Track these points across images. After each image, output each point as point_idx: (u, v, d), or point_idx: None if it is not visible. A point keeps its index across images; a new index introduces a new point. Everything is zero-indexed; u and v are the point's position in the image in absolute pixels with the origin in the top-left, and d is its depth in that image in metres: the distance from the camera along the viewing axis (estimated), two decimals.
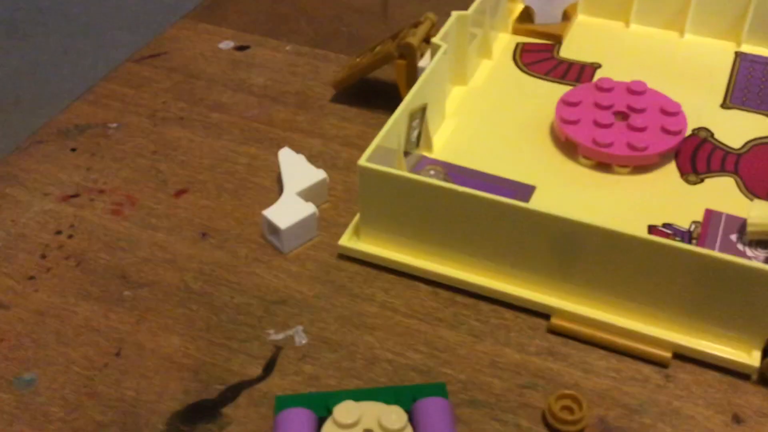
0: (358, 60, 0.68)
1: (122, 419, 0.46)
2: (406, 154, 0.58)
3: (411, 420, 0.43)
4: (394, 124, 0.54)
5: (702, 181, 0.58)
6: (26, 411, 0.46)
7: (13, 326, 0.50)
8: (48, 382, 0.47)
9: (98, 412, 0.46)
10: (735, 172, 0.59)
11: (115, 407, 0.46)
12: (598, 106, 0.62)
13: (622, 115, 0.61)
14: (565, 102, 0.62)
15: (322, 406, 0.44)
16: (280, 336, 0.50)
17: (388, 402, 0.43)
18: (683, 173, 0.59)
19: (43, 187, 0.60)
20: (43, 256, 0.55)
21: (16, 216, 0.58)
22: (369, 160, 0.51)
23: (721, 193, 0.57)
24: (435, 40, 0.60)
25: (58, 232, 0.57)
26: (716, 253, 0.45)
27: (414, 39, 0.62)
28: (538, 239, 0.49)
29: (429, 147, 0.61)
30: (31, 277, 0.54)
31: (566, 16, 0.74)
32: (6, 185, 0.60)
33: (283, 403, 0.44)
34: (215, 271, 0.54)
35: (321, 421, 0.43)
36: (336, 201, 0.59)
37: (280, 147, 0.60)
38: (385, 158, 0.53)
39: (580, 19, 0.75)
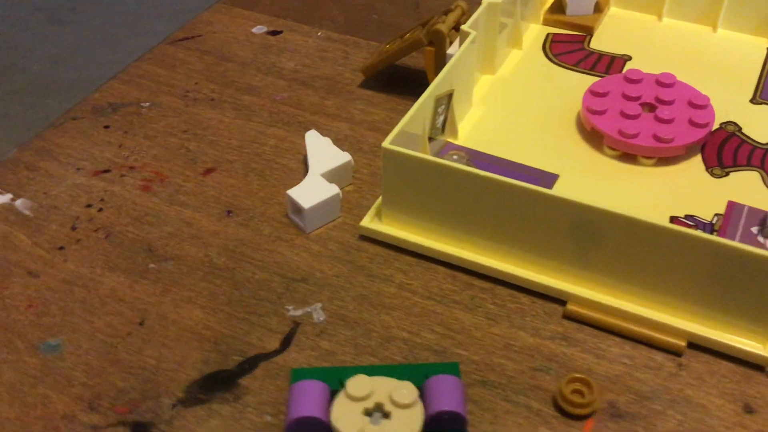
0: (387, 46, 0.68)
1: (142, 386, 0.47)
2: (431, 139, 0.58)
3: (422, 397, 0.43)
4: (420, 109, 0.55)
5: (727, 174, 0.58)
6: (50, 375, 0.47)
7: (41, 294, 0.52)
8: (72, 348, 0.49)
9: (119, 378, 0.47)
10: (761, 166, 0.59)
11: (136, 374, 0.47)
12: (625, 97, 0.62)
13: (650, 107, 0.61)
14: (592, 92, 0.62)
15: (335, 380, 0.44)
16: (299, 312, 0.51)
17: (400, 378, 0.44)
18: (709, 166, 0.59)
19: (76, 162, 0.62)
20: (74, 228, 0.56)
21: (49, 189, 0.59)
22: (393, 143, 0.52)
23: (746, 187, 0.57)
24: (464, 27, 0.61)
25: (89, 206, 0.58)
26: (733, 243, 0.45)
27: (443, 26, 0.63)
28: (557, 225, 0.49)
29: (454, 133, 0.61)
30: (61, 248, 0.55)
31: (598, 8, 0.74)
32: (40, 159, 0.62)
33: (298, 375, 0.45)
34: (239, 247, 0.55)
35: (334, 394, 0.44)
36: (360, 184, 0.60)
37: (307, 130, 0.61)
38: (409, 142, 0.54)
39: (613, 11, 0.75)
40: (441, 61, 0.63)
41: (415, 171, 0.52)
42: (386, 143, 0.51)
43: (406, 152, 0.51)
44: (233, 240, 0.55)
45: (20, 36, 1.81)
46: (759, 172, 0.58)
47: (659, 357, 0.48)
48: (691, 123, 0.59)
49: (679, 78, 0.64)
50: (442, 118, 0.59)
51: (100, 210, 0.58)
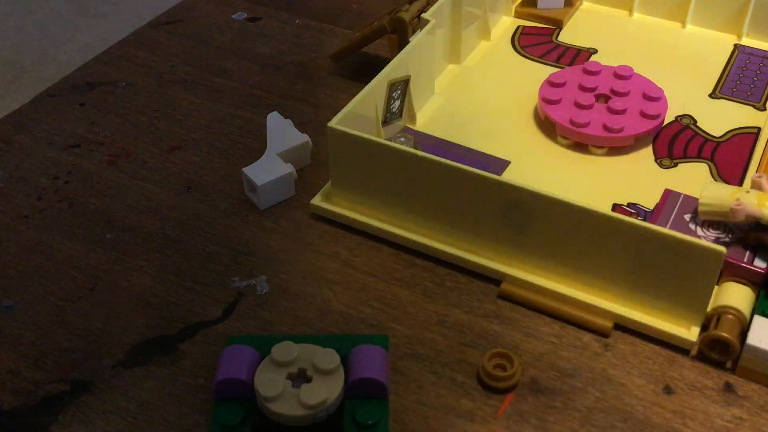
0: (357, 34, 0.70)
1: (86, 347, 0.49)
2: (387, 123, 0.60)
3: (347, 365, 0.45)
4: (370, 93, 0.56)
5: (676, 165, 0.59)
6: (0, 333, 0.50)
7: (1, 259, 0.55)
8: (25, 309, 0.51)
9: (66, 339, 0.50)
10: (710, 159, 0.60)
11: (82, 336, 0.50)
12: (581, 88, 0.63)
13: (605, 98, 0.63)
14: (549, 83, 0.64)
15: (267, 347, 0.46)
16: (244, 284, 0.53)
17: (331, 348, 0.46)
18: (658, 157, 0.60)
19: (48, 136, 0.64)
20: (39, 198, 0.59)
21: (20, 161, 0.62)
22: (341, 123, 0.53)
23: (692, 178, 0.58)
24: (425, 15, 0.63)
25: (56, 178, 0.61)
26: (657, 228, 0.46)
27: (406, 14, 0.64)
28: (492, 206, 0.50)
29: (412, 119, 0.63)
30: (26, 216, 0.58)
31: (569, 2, 0.75)
32: (15, 132, 0.65)
33: (233, 341, 0.47)
34: (193, 221, 0.57)
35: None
36: (318, 165, 0.61)
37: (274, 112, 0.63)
38: (360, 124, 0.55)
39: (584, 6, 0.76)
40: (403, 48, 0.65)
41: (360, 151, 0.53)
42: (332, 123, 0.53)
43: (351, 132, 0.53)
44: (189, 214, 0.58)
45: (52, 26, 1.85)
46: (708, 164, 0.59)
47: (586, 337, 0.50)
48: (643, 114, 0.60)
49: (642, 72, 0.65)
50: (398, 103, 0.60)
51: (67, 182, 0.60)
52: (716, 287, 0.50)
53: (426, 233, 0.54)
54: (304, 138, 0.60)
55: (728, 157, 0.60)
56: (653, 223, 0.51)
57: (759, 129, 0.62)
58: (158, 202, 0.58)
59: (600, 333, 0.50)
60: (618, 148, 0.60)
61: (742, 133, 0.62)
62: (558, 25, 0.73)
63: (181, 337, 0.50)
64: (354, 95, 0.56)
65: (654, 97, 0.61)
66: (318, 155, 0.62)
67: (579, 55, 0.70)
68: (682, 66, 0.69)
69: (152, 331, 0.50)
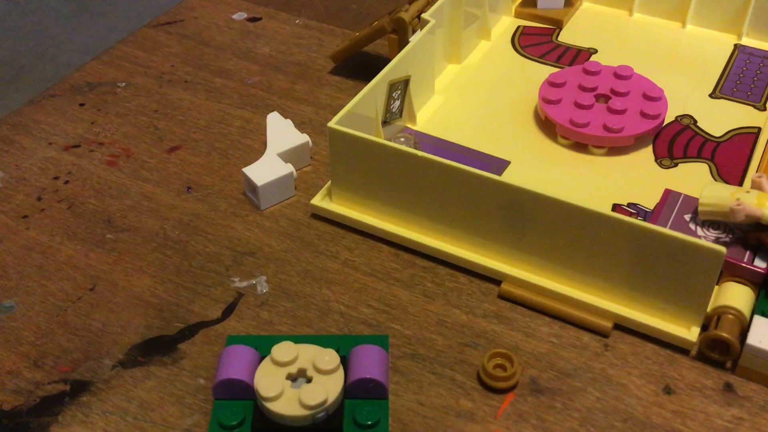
0: (357, 34, 0.70)
1: (86, 347, 0.49)
2: (387, 123, 0.60)
3: (347, 365, 0.45)
4: (370, 93, 0.56)
5: (676, 165, 0.59)
6: (1, 334, 0.50)
7: (1, 259, 0.55)
8: (25, 309, 0.51)
9: (66, 339, 0.50)
10: (711, 159, 0.60)
11: (82, 336, 0.50)
12: (581, 88, 0.63)
13: (605, 98, 0.63)
14: (549, 83, 0.64)
15: (267, 347, 0.46)
16: (244, 284, 0.53)
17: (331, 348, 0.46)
18: (658, 157, 0.60)
19: (48, 136, 0.64)
20: (39, 198, 0.59)
21: (20, 161, 0.62)
22: (341, 123, 0.53)
23: (692, 178, 0.58)
24: (425, 16, 0.62)
25: (56, 178, 0.61)
26: (657, 228, 0.46)
27: (406, 14, 0.64)
28: (491, 206, 0.50)
29: (413, 119, 0.63)
30: (25, 216, 0.58)
31: (569, 2, 0.75)
32: (16, 133, 0.65)
33: (233, 341, 0.47)
34: (193, 221, 0.57)
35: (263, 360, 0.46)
36: (318, 165, 0.61)
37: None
38: (360, 124, 0.55)
39: (584, 6, 0.76)
40: (404, 48, 0.65)
41: (360, 151, 0.53)
42: (332, 123, 0.53)
43: (351, 132, 0.53)
44: (189, 214, 0.58)
45: (52, 26, 1.84)
46: (708, 164, 0.59)
47: (586, 337, 0.50)
48: (643, 114, 0.60)
49: (642, 72, 0.65)
50: (398, 102, 0.60)
51: (66, 182, 0.60)
52: (716, 287, 0.50)
53: (426, 233, 0.54)
54: (304, 138, 0.60)
55: (728, 157, 0.60)
56: (653, 223, 0.51)
57: (759, 129, 0.62)
58: (158, 202, 0.58)
59: (600, 333, 0.50)
60: (618, 148, 0.60)
61: (742, 133, 0.62)
62: (558, 25, 0.73)
63: (181, 337, 0.50)
64: (354, 95, 0.56)
65: (654, 97, 0.61)
66: (318, 155, 0.62)
67: (579, 55, 0.70)
68: (682, 66, 0.69)
69: (152, 331, 0.50)
